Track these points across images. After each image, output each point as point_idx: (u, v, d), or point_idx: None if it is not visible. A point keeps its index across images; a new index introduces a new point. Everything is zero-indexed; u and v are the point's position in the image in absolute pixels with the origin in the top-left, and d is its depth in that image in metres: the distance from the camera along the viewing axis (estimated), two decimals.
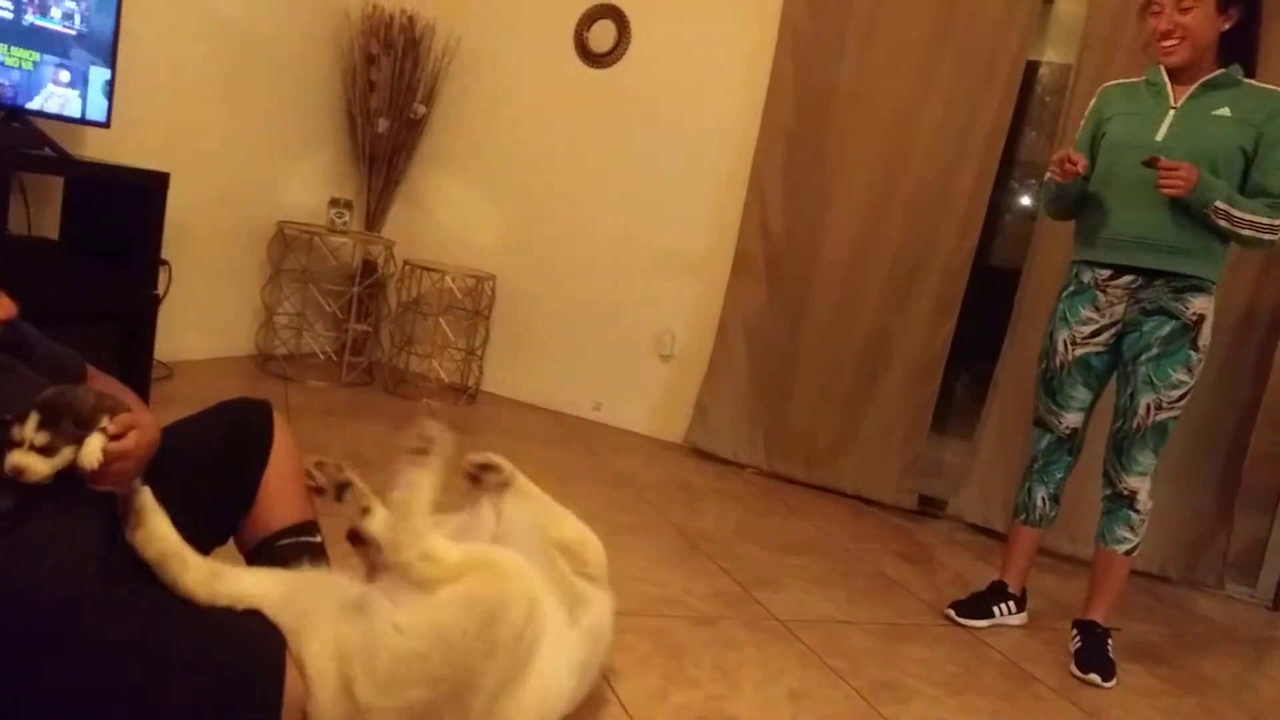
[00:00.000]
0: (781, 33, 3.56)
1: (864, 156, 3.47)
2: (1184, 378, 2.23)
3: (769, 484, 3.59)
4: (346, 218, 3.87)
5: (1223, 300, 2.37)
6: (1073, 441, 2.43)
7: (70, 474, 1.07)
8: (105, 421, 1.09)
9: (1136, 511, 2.31)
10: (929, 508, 3.57)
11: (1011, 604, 2.50)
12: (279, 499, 1.41)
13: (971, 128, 3.34)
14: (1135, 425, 2.27)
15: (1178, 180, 2.07)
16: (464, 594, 1.23)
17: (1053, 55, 3.62)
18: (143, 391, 2.70)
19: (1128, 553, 2.33)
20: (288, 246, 3.82)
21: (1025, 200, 3.89)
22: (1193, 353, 2.22)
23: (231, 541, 1.42)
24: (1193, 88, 2.22)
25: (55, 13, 2.57)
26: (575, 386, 4.06)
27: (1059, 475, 2.45)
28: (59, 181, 2.92)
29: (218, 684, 1.13)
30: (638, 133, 3.88)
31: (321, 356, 4.11)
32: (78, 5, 2.61)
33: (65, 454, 1.05)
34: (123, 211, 2.79)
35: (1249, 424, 3.19)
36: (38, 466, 1.04)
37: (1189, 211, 2.15)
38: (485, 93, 4.12)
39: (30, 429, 1.04)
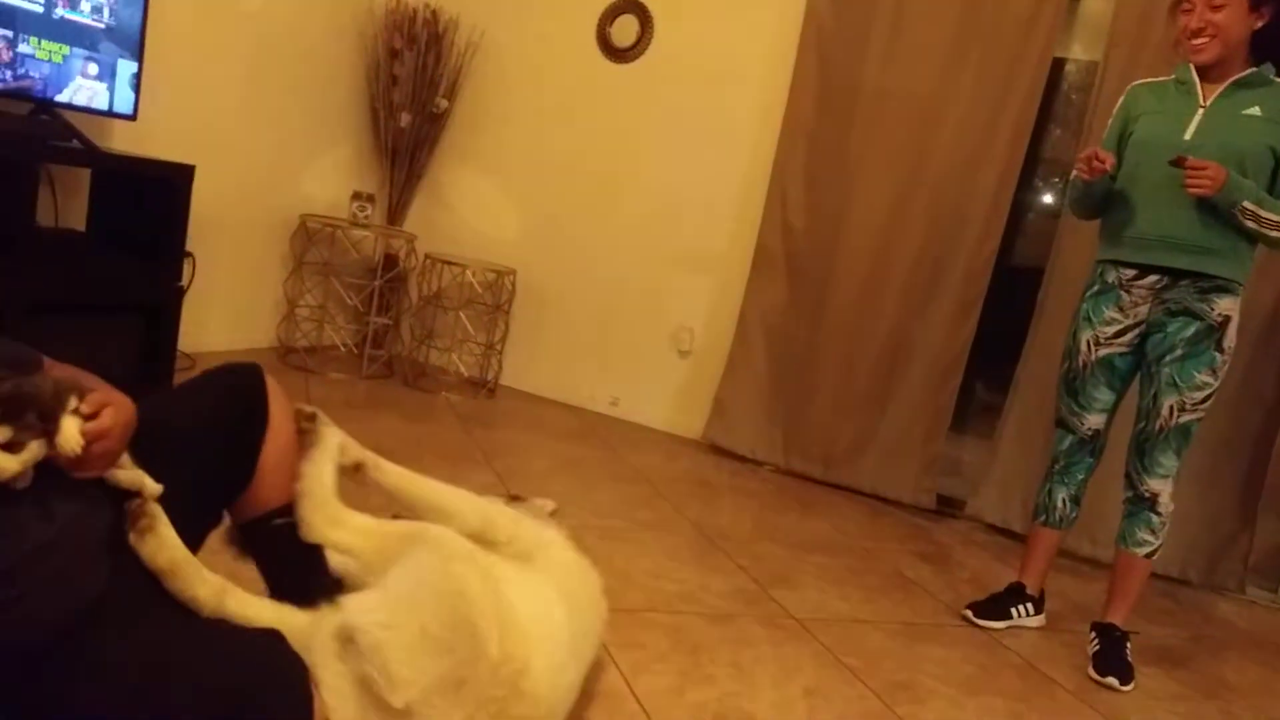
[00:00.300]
0: (805, 28, 3.54)
1: (886, 153, 3.45)
2: (1208, 379, 2.21)
3: (786, 481, 3.58)
4: (369, 211, 3.89)
5: (1248, 301, 2.34)
6: (1095, 443, 2.41)
7: (50, 476, 1.00)
8: (75, 403, 1.03)
9: (1158, 514, 2.29)
10: (947, 507, 3.55)
11: (1029, 605, 2.49)
12: (275, 474, 1.35)
13: (996, 125, 3.31)
14: (1158, 427, 2.25)
15: (1205, 179, 2.05)
16: (409, 564, 1.27)
17: (1079, 52, 3.58)
18: (166, 382, 2.73)
19: (1148, 555, 2.31)
20: (310, 239, 3.85)
21: (1049, 199, 3.86)
22: (1217, 354, 2.20)
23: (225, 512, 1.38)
24: (1223, 86, 2.19)
25: (85, 6, 2.60)
26: (594, 381, 4.06)
27: (1080, 477, 2.43)
28: (86, 173, 2.95)
29: (245, 710, 1.10)
30: (659, 128, 3.88)
31: (342, 349, 4.14)
32: None
33: (34, 448, 0.98)
34: (149, 204, 2.82)
35: (1274, 425, 3.15)
36: (4, 464, 0.96)
37: (1216, 211, 2.12)
38: (507, 87, 4.13)
39: None
